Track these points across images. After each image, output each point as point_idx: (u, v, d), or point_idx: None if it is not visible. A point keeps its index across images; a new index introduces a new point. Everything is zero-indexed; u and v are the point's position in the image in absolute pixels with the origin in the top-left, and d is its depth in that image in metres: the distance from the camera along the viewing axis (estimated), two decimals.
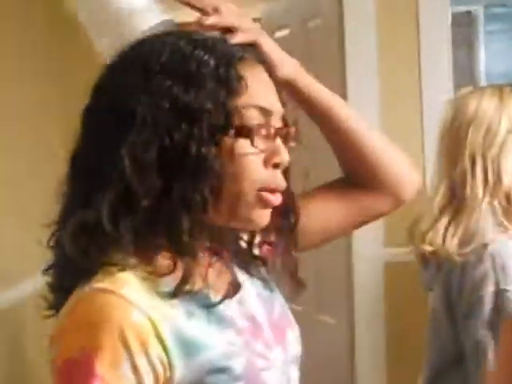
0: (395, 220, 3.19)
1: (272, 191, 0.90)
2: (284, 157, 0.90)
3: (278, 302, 1.05)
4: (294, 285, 1.03)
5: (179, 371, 0.84)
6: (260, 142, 0.88)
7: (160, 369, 0.83)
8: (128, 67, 0.91)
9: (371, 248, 3.22)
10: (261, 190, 0.89)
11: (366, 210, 1.17)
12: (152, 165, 0.84)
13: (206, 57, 0.87)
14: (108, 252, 0.86)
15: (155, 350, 0.83)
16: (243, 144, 0.87)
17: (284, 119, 0.95)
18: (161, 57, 0.87)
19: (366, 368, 3.17)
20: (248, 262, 1.01)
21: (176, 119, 0.84)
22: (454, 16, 5.66)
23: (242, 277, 0.98)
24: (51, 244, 0.93)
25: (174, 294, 0.85)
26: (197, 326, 0.87)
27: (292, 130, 0.96)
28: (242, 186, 0.87)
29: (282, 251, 1.02)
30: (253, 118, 0.88)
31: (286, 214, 0.99)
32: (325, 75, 3.08)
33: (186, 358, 0.84)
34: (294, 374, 1.03)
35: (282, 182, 0.91)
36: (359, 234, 3.19)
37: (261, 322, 0.97)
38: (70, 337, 0.86)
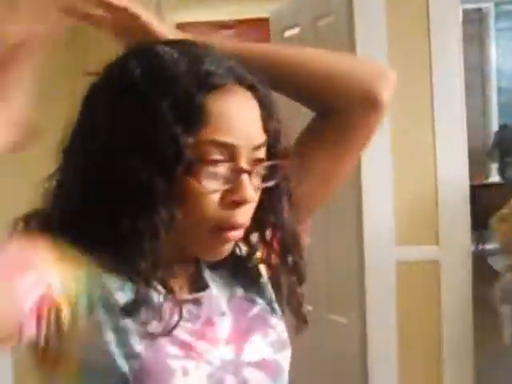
0: (407, 219, 3.16)
1: (230, 228, 0.86)
2: (245, 194, 0.83)
3: (261, 307, 1.01)
4: (297, 321, 0.99)
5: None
6: (215, 180, 0.83)
7: None
8: (100, 85, 0.89)
9: (383, 247, 3.18)
10: (216, 227, 0.85)
11: (351, 134, 1.05)
12: (99, 189, 0.83)
13: (170, 84, 0.84)
14: None
15: None
16: (195, 181, 0.84)
17: (271, 150, 0.88)
18: (131, 76, 0.84)
19: (378, 367, 3.15)
20: (243, 269, 0.99)
21: (130, 147, 0.82)
22: (465, 13, 5.61)
23: (211, 279, 0.96)
24: None
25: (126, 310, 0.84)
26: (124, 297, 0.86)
27: (272, 162, 0.90)
28: (194, 222, 0.84)
29: (287, 288, 0.98)
30: (209, 153, 0.83)
31: (283, 254, 0.95)
32: None
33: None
34: (257, 377, 0.96)
35: (242, 220, 0.86)
36: (371, 233, 3.17)
37: (214, 321, 0.94)
38: None
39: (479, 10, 7.10)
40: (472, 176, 5.95)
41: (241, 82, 0.88)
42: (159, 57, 0.88)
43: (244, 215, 0.87)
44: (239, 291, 0.98)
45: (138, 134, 0.83)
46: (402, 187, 3.12)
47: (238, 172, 0.84)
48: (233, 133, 0.84)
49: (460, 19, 3.23)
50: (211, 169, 0.83)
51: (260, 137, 0.87)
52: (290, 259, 0.96)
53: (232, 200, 0.84)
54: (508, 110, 7.12)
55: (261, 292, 1.00)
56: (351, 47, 3.15)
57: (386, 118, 2.79)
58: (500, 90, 7.30)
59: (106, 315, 0.82)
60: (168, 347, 0.87)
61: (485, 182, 7.17)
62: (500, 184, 7.14)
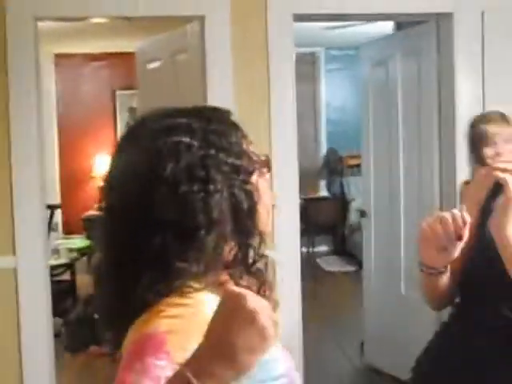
0: None
1: None
2: None
3: None
4: None
5: None
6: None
7: None
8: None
9: None
10: None
11: None
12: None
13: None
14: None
15: None
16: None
17: None
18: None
19: None
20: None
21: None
22: (300, 55, 6.35)
23: None
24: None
25: None
26: None
27: None
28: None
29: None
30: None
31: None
32: (189, 100, 3.37)
33: None
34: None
35: None
36: None
37: None
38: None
39: (312, 53, 7.57)
40: (305, 191, 6.85)
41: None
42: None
43: None
44: None
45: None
46: None
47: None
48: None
49: (294, 60, 3.43)
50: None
51: None
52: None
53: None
54: (334, 138, 7.66)
55: None
56: (203, 79, 3.35)
57: None
58: (328, 121, 7.84)
59: None
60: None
61: (316, 195, 7.67)
62: (327, 197, 7.72)
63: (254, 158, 1.14)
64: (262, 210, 1.13)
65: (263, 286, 1.18)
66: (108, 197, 1.14)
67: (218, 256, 1.10)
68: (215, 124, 1.13)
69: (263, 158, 1.18)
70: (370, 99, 4.32)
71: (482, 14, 3.34)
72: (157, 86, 4.02)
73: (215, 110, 1.21)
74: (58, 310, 4.44)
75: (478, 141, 2.61)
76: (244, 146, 1.14)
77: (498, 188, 1.68)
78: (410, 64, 3.93)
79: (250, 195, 1.11)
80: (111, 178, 1.14)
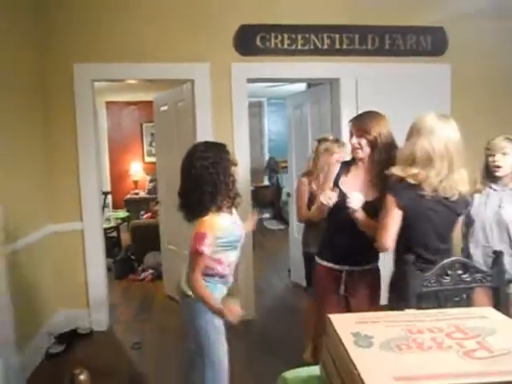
0: None
1: None
2: None
3: None
4: None
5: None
6: None
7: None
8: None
9: None
10: None
11: None
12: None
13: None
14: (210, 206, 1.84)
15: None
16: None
17: None
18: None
19: None
20: None
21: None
22: (252, 103, 6.83)
23: None
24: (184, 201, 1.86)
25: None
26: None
27: None
28: None
29: None
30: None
31: None
32: (185, 131, 3.86)
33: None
34: None
35: None
36: None
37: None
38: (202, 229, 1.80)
39: (259, 101, 8.54)
40: (255, 182, 7.56)
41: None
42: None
43: None
44: None
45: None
46: None
47: None
48: None
49: (247, 105, 3.76)
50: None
51: None
52: None
53: None
54: (273, 150, 8.63)
55: None
56: (193, 118, 3.72)
57: None
58: (269, 141, 8.83)
59: None
60: None
61: (262, 184, 8.58)
62: (269, 186, 8.69)
63: (233, 161, 1.88)
64: (233, 178, 1.88)
65: (237, 205, 1.93)
66: (183, 172, 1.90)
67: (221, 197, 1.84)
68: (219, 150, 1.88)
69: (235, 162, 1.90)
70: (292, 128, 4.74)
71: (356, 78, 3.84)
72: (166, 121, 4.28)
73: (220, 144, 1.92)
74: (109, 254, 4.95)
75: (324, 151, 2.85)
76: (229, 157, 1.88)
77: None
78: (315, 109, 4.29)
79: (230, 175, 1.85)
80: (183, 167, 1.90)
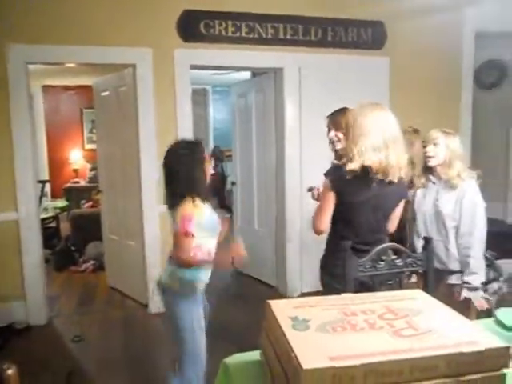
0: None
1: None
2: None
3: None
4: None
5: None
6: None
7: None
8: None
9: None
10: None
11: None
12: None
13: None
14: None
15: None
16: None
17: None
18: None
19: None
20: None
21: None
22: (196, 90, 6.88)
23: None
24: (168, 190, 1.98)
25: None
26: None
27: None
28: None
29: None
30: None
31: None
32: (127, 117, 3.79)
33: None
34: None
35: None
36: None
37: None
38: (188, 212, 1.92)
39: (204, 89, 8.41)
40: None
41: None
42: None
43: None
44: None
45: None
46: None
47: None
48: None
49: (190, 92, 3.73)
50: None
51: None
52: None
53: None
54: (218, 139, 8.59)
55: None
56: (135, 104, 3.67)
57: (154, 140, 3.54)
58: (214, 129, 8.77)
59: None
60: None
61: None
62: (214, 174, 8.16)
63: (206, 157, 2.01)
64: (207, 173, 2.01)
65: (209, 199, 2.02)
66: (164, 165, 2.01)
67: (200, 188, 1.98)
68: (194, 147, 2.01)
69: (206, 156, 2.01)
70: (237, 116, 4.75)
71: (299, 68, 3.91)
72: (107, 107, 4.17)
73: (197, 142, 2.05)
74: (47, 245, 4.82)
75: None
76: (204, 154, 2.01)
77: None
78: (259, 97, 4.32)
79: (203, 168, 2.00)
80: (165, 160, 2.01)
